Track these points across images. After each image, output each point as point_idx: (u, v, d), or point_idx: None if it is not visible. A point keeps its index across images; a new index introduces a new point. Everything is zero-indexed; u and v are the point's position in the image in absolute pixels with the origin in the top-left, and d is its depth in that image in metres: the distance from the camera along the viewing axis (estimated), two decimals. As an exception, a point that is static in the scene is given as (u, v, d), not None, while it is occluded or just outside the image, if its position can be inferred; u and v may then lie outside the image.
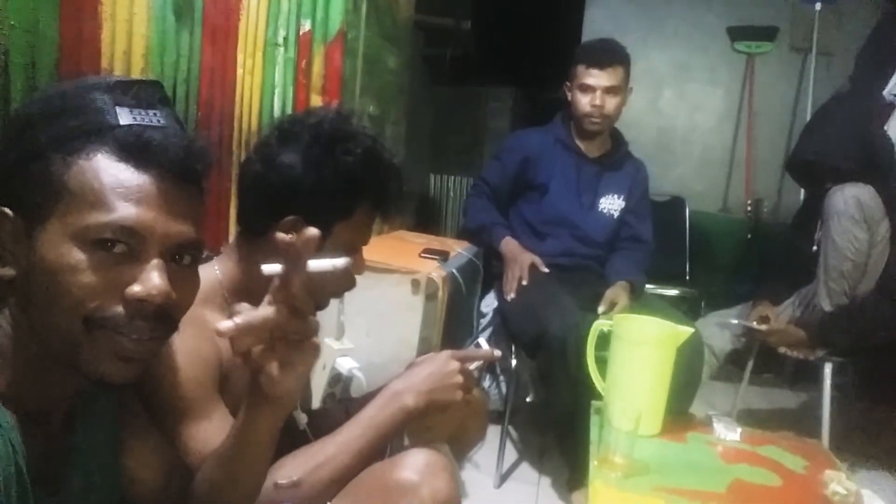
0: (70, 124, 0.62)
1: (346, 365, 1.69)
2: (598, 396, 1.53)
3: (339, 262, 0.66)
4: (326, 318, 1.83)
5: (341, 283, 1.06)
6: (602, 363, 1.52)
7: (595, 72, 2.11)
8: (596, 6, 3.79)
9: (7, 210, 0.63)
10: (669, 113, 3.78)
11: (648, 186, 2.39)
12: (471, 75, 5.52)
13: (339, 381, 1.70)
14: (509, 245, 2.18)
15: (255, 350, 0.64)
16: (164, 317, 0.64)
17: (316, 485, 0.93)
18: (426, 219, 4.23)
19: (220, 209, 1.48)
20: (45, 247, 0.60)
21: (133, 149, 0.62)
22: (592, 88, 2.12)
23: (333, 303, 1.84)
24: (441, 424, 1.21)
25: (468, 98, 5.31)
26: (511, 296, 2.05)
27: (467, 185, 4.94)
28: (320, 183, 0.96)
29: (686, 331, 1.46)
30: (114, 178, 0.61)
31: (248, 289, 1.00)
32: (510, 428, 2.16)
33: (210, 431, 0.89)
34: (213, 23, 1.38)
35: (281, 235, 0.61)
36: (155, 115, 0.65)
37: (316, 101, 1.91)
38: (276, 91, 1.63)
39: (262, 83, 1.58)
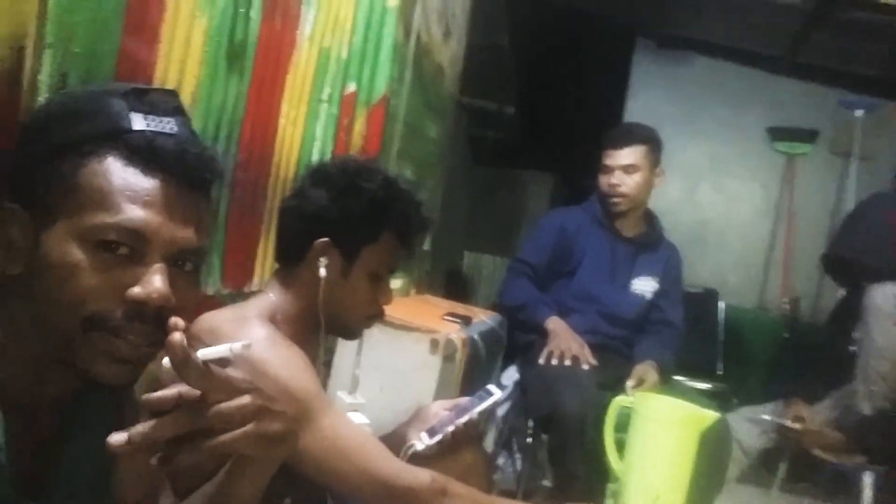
0: (84, 127, 0.63)
1: (356, 420, 1.65)
2: (614, 479, 1.46)
3: (235, 346, 0.60)
4: (341, 370, 1.81)
5: (370, 312, 1.13)
6: (620, 445, 1.46)
7: (612, 152, 2.17)
8: (637, 98, 3.89)
9: (18, 207, 0.64)
10: (705, 205, 3.78)
11: (682, 271, 2.36)
12: (512, 158, 5.65)
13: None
14: (558, 323, 2.12)
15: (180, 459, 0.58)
16: (162, 322, 0.63)
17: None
18: (457, 293, 4.23)
19: (249, 249, 1.51)
20: (51, 245, 0.61)
21: (144, 153, 0.63)
22: (610, 168, 2.17)
23: (349, 355, 1.84)
24: None
25: (508, 180, 5.41)
26: (542, 361, 1.99)
27: (501, 265, 4.95)
28: (346, 208, 1.07)
29: (711, 415, 1.40)
30: (122, 180, 0.62)
31: (296, 316, 1.10)
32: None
33: (340, 425, 0.98)
34: (262, 73, 1.44)
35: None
36: (168, 122, 0.66)
37: (354, 159, 1.97)
38: (316, 144, 1.69)
39: (304, 134, 1.64)
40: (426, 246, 2.81)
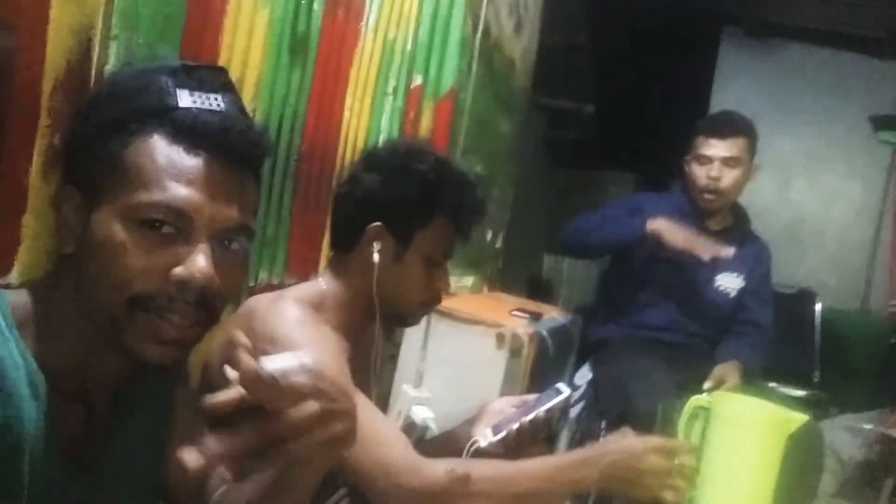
0: (131, 105, 0.63)
1: (420, 414, 1.64)
2: (690, 487, 1.36)
3: (303, 359, 0.57)
4: (407, 363, 1.80)
5: (425, 298, 1.11)
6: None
7: (714, 141, 2.01)
8: (724, 91, 3.70)
9: (71, 188, 0.65)
10: (800, 203, 3.55)
11: (771, 268, 2.20)
12: (592, 159, 5.52)
13: (413, 431, 1.64)
14: (664, 223, 1.90)
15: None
16: (206, 302, 0.64)
17: (480, 491, 0.94)
18: (537, 295, 4.18)
19: (313, 240, 1.52)
20: (98, 225, 0.62)
21: (189, 131, 0.63)
22: (709, 159, 2.02)
23: (415, 349, 1.82)
24: None
25: (588, 182, 5.29)
26: (718, 252, 1.85)
27: (581, 268, 4.84)
28: (398, 191, 1.05)
29: (799, 417, 1.28)
30: (167, 158, 0.62)
31: (347, 303, 1.09)
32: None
33: (363, 415, 0.90)
34: (325, 65, 1.46)
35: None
36: (216, 99, 0.65)
37: (422, 153, 1.96)
38: (381, 137, 1.69)
39: (368, 127, 1.64)
40: (498, 244, 2.77)
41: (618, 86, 4.68)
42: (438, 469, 0.91)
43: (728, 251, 1.89)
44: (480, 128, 2.30)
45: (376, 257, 1.05)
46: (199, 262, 0.62)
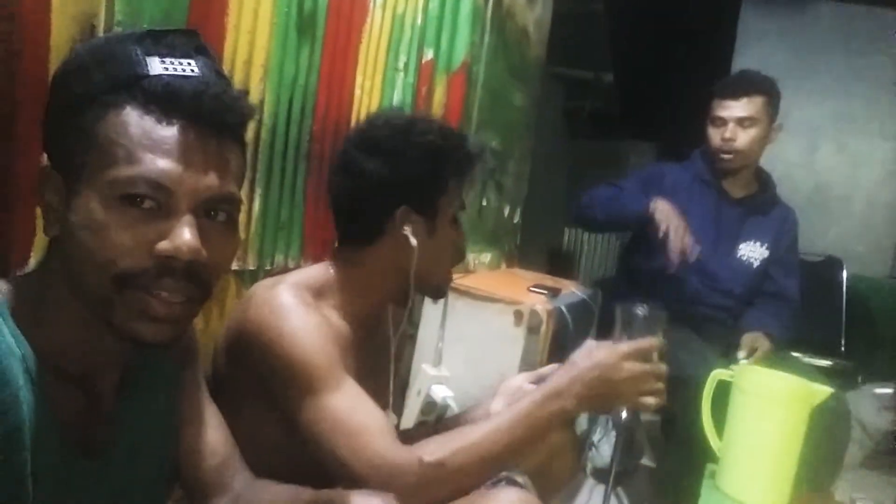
0: (101, 77, 0.60)
1: (440, 393, 1.64)
2: (714, 458, 1.35)
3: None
4: (425, 343, 1.79)
5: (456, 259, 1.11)
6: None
7: (728, 102, 1.95)
8: (746, 54, 3.59)
9: (50, 168, 0.63)
10: (827, 167, 3.45)
11: (797, 237, 2.14)
12: (611, 129, 5.43)
13: (432, 410, 1.64)
14: (663, 203, 1.87)
15: None
16: (194, 276, 0.62)
17: (459, 468, 0.91)
18: (557, 270, 4.17)
19: (328, 221, 1.51)
20: (78, 204, 0.60)
21: (161, 99, 0.60)
22: (724, 120, 1.96)
23: (433, 328, 1.82)
24: (527, 463, 1.13)
25: (608, 152, 5.22)
26: (681, 255, 1.82)
27: (602, 241, 4.79)
28: (413, 170, 1.02)
29: (823, 390, 1.26)
30: (140, 130, 0.59)
31: (363, 290, 1.06)
32: (620, 493, 1.97)
33: (343, 403, 0.90)
34: (334, 42, 1.43)
35: None
36: (189, 64, 0.62)
37: (435, 129, 1.93)
38: (394, 114, 1.67)
39: (380, 104, 1.62)
40: (516, 219, 2.75)
41: (636, 53, 4.58)
42: (413, 459, 0.88)
43: (694, 251, 1.83)
44: (495, 100, 2.26)
45: (414, 241, 1.02)
46: (184, 235, 0.60)
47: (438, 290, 1.13)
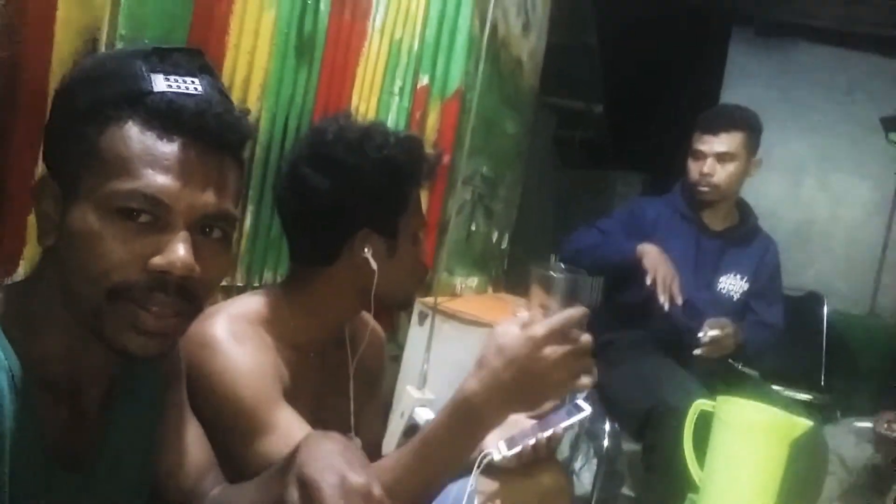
0: (105, 91, 0.61)
1: (423, 416, 1.64)
2: (694, 488, 1.36)
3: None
4: (410, 365, 1.80)
5: (420, 274, 1.06)
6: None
7: (707, 137, 1.97)
8: (733, 90, 3.68)
9: (48, 178, 0.63)
10: (810, 203, 3.52)
11: (779, 265, 2.15)
12: (600, 159, 5.50)
13: (414, 432, 1.64)
14: (653, 249, 1.88)
15: None
16: (186, 292, 0.62)
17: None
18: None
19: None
20: (75, 215, 0.60)
21: (163, 116, 0.60)
22: (703, 154, 1.98)
23: (419, 350, 1.82)
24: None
25: (596, 181, 5.27)
26: (668, 302, 1.83)
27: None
28: (371, 187, 0.95)
29: (803, 423, 1.27)
30: (141, 145, 0.60)
31: (315, 317, 1.01)
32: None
33: (277, 445, 0.85)
34: (331, 65, 1.46)
35: None
36: (192, 82, 0.62)
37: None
38: (388, 137, 1.69)
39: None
40: (504, 245, 2.77)
41: (627, 85, 4.66)
42: None
43: (679, 298, 1.85)
44: (488, 128, 2.30)
45: (374, 265, 0.97)
46: (179, 251, 0.60)
47: (403, 305, 1.10)
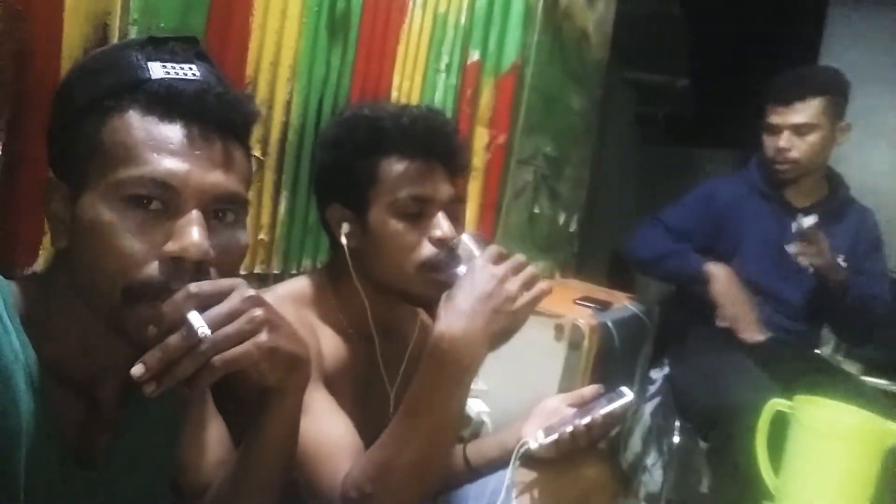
0: (102, 84, 0.61)
1: (475, 408, 1.57)
2: (769, 495, 1.22)
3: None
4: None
5: (419, 258, 0.94)
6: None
7: (780, 109, 1.77)
8: (832, 58, 3.33)
9: (55, 178, 0.63)
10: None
11: (880, 239, 1.91)
12: (687, 135, 5.22)
13: (467, 424, 1.58)
14: (722, 273, 1.78)
15: None
16: (203, 278, 0.60)
17: (390, 494, 0.81)
18: (618, 282, 4.02)
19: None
20: (84, 211, 0.59)
21: (163, 101, 0.60)
22: (777, 128, 1.77)
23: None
24: (560, 498, 1.04)
25: (683, 160, 5.02)
26: (756, 337, 1.73)
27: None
28: (336, 161, 0.97)
29: (898, 429, 1.11)
30: (144, 131, 0.59)
31: (348, 301, 0.99)
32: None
33: (309, 427, 0.84)
34: (369, 43, 1.39)
35: None
36: (190, 68, 0.62)
37: (482, 133, 1.87)
38: (436, 117, 1.62)
39: (420, 107, 1.58)
40: (572, 227, 2.64)
41: (714, 56, 4.37)
42: (342, 479, 0.84)
43: (755, 337, 1.71)
44: (549, 104, 2.18)
45: (344, 239, 0.95)
46: (192, 234, 0.58)
47: (411, 297, 0.97)
